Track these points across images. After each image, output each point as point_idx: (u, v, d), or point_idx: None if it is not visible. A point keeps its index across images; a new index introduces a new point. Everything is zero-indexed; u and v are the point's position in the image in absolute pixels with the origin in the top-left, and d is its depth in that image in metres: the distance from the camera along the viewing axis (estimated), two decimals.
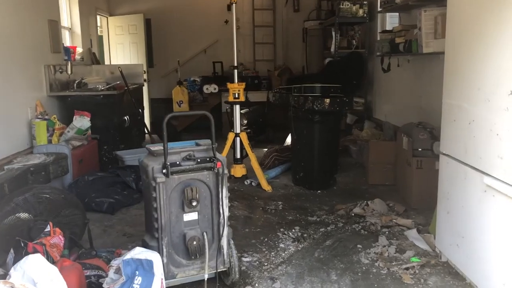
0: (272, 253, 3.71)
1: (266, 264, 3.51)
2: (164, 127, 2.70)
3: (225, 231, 2.98)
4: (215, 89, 8.80)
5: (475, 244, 2.88)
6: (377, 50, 6.46)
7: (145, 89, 8.45)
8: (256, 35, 9.98)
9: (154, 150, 2.87)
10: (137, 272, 2.43)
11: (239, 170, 5.59)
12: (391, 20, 7.28)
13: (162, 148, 2.79)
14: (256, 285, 3.20)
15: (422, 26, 4.73)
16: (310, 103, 5.08)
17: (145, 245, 2.91)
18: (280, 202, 4.95)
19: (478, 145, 2.80)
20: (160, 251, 2.79)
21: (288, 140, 7.24)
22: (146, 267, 2.47)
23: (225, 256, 3.01)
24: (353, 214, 4.41)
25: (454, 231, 3.17)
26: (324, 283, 3.20)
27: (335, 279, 3.26)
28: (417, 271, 3.32)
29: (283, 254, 3.67)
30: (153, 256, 2.51)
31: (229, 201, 2.97)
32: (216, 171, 2.90)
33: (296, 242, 3.90)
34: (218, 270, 2.99)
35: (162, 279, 2.50)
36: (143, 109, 7.79)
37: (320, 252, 3.71)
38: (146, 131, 7.61)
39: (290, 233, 4.08)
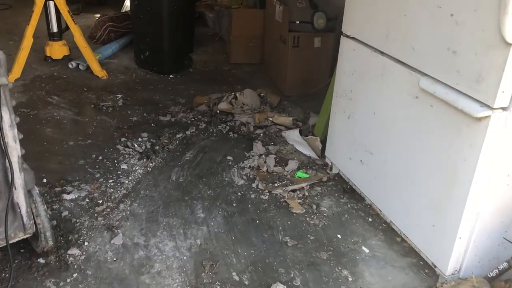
0: (110, 180, 2.59)
1: (100, 201, 2.40)
2: None
3: (20, 180, 1.74)
4: None
5: (392, 166, 2.13)
6: None
7: None
8: None
9: None
10: None
11: (57, 50, 4.05)
12: None
13: None
14: (86, 243, 2.11)
15: None
16: None
17: None
18: (119, 95, 3.68)
19: (411, 28, 1.89)
20: None
21: (127, 3, 5.65)
22: None
23: (25, 218, 1.82)
24: (218, 111, 3.40)
25: (357, 142, 2.39)
26: (188, 227, 2.25)
27: (202, 218, 2.33)
28: (306, 193, 2.55)
29: (127, 182, 2.58)
30: None
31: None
32: None
33: (145, 160, 2.81)
34: (14, 241, 1.80)
35: None
36: None
37: (179, 172, 2.71)
38: None
39: (136, 145, 2.96)
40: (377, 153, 2.23)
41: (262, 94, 3.63)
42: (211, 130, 3.21)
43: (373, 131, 2.24)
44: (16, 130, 1.67)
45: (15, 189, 1.73)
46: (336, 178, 2.71)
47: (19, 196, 1.76)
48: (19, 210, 1.78)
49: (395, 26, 1.99)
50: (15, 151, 1.68)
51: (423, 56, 1.85)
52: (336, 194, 2.58)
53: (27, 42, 3.79)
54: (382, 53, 2.11)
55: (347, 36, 2.38)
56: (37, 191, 1.89)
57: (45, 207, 1.90)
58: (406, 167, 2.03)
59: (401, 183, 2.08)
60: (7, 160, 1.66)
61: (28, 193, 1.83)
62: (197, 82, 4.09)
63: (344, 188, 2.62)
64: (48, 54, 4.05)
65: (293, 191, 2.56)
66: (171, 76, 4.17)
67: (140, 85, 3.94)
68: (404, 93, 1.98)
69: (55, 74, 4.04)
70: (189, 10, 4.18)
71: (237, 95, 3.45)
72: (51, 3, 3.84)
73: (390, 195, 2.19)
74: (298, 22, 3.68)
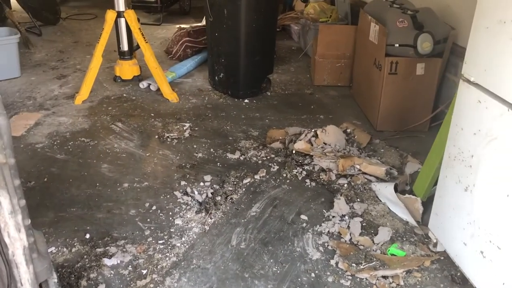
0: (160, 241, 2.18)
1: (145, 272, 2.00)
2: None
3: (28, 274, 1.36)
4: None
5: None
6: None
7: None
8: None
9: None
10: None
11: (127, 70, 3.77)
12: None
13: None
14: None
15: None
16: None
17: None
18: (187, 124, 3.31)
19: None
20: None
21: None
22: None
23: None
24: (294, 151, 2.88)
25: (476, 226, 1.76)
26: None
27: None
28: (401, 282, 1.96)
29: (179, 245, 2.16)
30: None
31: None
32: None
33: (203, 213, 2.38)
34: None
35: None
36: None
37: (241, 234, 2.24)
38: None
39: (196, 191, 2.54)
40: (510, 250, 1.59)
41: (349, 131, 3.05)
42: (284, 175, 2.71)
43: (505, 220, 1.60)
44: (20, 216, 1.29)
45: (22, 285, 1.36)
46: (442, 258, 2.08)
47: None
48: None
49: None
50: (18, 242, 1.30)
51: None
52: (442, 285, 1.95)
53: (96, 61, 3.55)
54: None
55: (470, 82, 1.75)
56: (55, 280, 1.51)
57: None
58: None
59: None
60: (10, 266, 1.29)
61: (44, 283, 1.46)
62: (274, 109, 3.60)
63: (453, 276, 1.98)
64: (117, 74, 3.79)
65: (385, 277, 1.97)
66: (246, 101, 3.73)
67: (211, 112, 3.54)
68: None
69: (124, 95, 3.78)
70: (270, 27, 3.70)
71: (318, 132, 2.90)
72: (122, 20, 3.57)
73: None
74: (397, 45, 3.05)
